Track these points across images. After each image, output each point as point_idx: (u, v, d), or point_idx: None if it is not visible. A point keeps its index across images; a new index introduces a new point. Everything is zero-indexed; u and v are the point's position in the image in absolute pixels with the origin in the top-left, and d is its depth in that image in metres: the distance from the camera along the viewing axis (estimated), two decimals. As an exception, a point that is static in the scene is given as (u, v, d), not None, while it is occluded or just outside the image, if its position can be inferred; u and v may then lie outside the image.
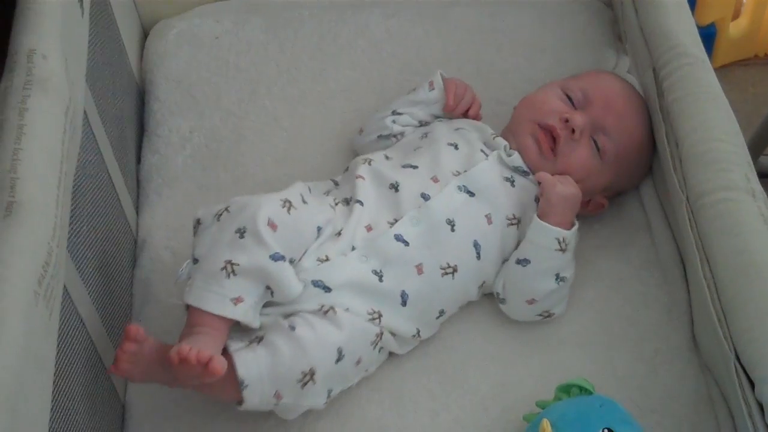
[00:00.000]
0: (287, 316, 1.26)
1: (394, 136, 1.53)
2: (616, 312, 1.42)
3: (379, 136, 1.53)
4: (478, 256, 1.37)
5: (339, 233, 1.33)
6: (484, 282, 1.41)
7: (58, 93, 1.18)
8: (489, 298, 1.43)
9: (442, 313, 1.38)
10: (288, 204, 1.27)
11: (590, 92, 1.47)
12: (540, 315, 1.40)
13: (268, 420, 1.31)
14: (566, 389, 1.25)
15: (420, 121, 1.53)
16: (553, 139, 1.43)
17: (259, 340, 1.23)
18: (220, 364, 1.14)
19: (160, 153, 1.64)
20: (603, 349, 1.38)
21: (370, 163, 1.43)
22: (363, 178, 1.40)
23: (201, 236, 1.26)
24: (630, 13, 1.58)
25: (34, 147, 1.09)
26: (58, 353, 1.07)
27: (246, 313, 1.22)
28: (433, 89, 1.52)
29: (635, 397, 1.32)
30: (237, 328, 1.25)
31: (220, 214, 1.25)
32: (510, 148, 1.45)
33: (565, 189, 1.37)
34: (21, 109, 1.12)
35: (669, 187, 1.41)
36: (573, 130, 1.42)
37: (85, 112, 1.31)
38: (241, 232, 1.23)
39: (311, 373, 1.20)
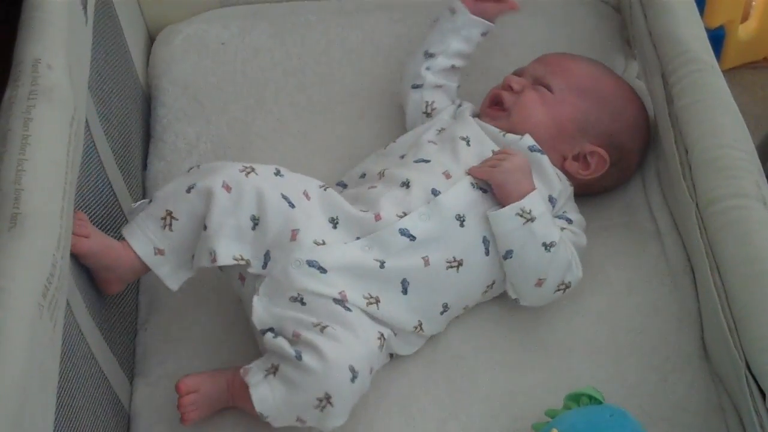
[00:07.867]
0: (289, 326, 1.26)
1: (427, 114, 1.56)
2: (626, 320, 1.41)
3: (419, 109, 1.57)
4: (487, 252, 1.36)
5: (336, 224, 1.34)
6: (494, 281, 1.39)
7: (63, 103, 1.17)
8: (497, 305, 1.43)
9: (445, 307, 1.37)
10: (249, 169, 1.32)
11: (530, 64, 1.56)
12: (558, 290, 1.37)
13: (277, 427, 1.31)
14: (576, 398, 1.24)
15: (456, 60, 1.57)
16: (502, 103, 1.51)
17: (275, 370, 1.23)
18: (79, 243, 1.22)
19: (166, 159, 1.63)
20: (612, 357, 1.38)
21: (383, 174, 1.43)
22: (375, 187, 1.40)
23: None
24: (639, 18, 1.56)
25: (38, 158, 1.09)
26: (61, 365, 1.07)
27: (160, 265, 1.31)
28: (455, 13, 1.56)
29: (645, 406, 1.32)
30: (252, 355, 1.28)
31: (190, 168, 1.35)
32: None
33: (506, 163, 1.37)
34: (26, 119, 1.12)
35: (678, 194, 1.40)
36: (511, 87, 1.51)
37: (86, 120, 1.30)
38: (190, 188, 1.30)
39: (327, 398, 1.21)
